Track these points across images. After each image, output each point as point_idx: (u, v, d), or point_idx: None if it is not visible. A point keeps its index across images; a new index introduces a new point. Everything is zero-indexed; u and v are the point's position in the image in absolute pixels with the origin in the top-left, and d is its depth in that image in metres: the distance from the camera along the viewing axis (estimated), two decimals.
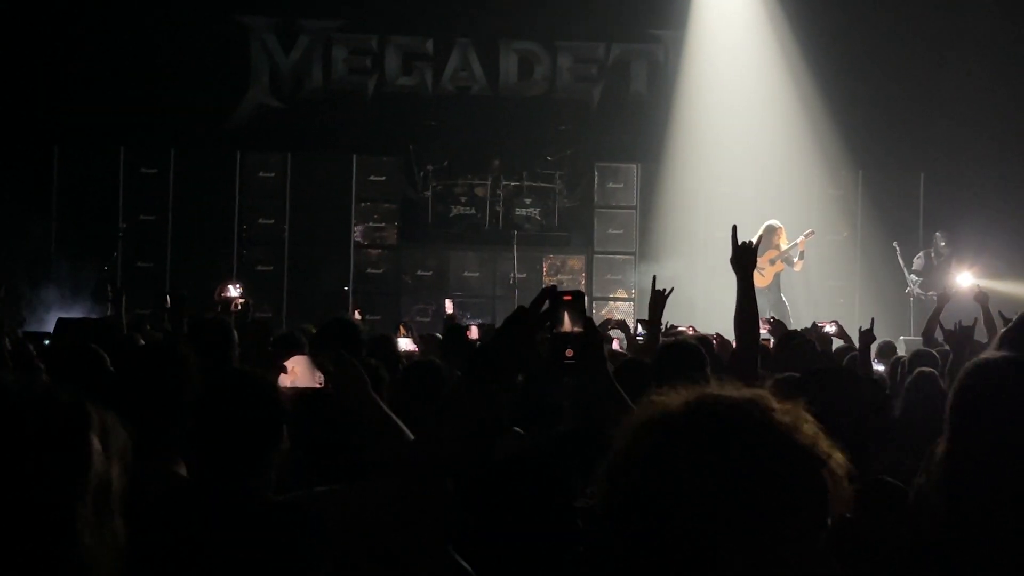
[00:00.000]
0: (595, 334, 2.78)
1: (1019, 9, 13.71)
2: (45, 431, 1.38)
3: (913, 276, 13.45)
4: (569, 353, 2.39)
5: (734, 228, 3.91)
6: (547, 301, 2.33)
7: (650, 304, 5.55)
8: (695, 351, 4.05)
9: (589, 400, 3.88)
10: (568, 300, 2.38)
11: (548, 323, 2.35)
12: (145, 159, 14.36)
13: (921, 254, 13.72)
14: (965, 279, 11.35)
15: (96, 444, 1.41)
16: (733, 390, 1.33)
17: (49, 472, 1.36)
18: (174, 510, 2.61)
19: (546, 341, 2.38)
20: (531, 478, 2.93)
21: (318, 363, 3.07)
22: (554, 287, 2.41)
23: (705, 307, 13.42)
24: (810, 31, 14.56)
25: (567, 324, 2.39)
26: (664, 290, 5.55)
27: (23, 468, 1.35)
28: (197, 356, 3.26)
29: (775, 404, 1.31)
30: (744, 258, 3.86)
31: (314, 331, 5.62)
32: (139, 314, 9.80)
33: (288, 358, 4.63)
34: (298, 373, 3.52)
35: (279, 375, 3.32)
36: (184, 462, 2.97)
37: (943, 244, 13.56)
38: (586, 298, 2.51)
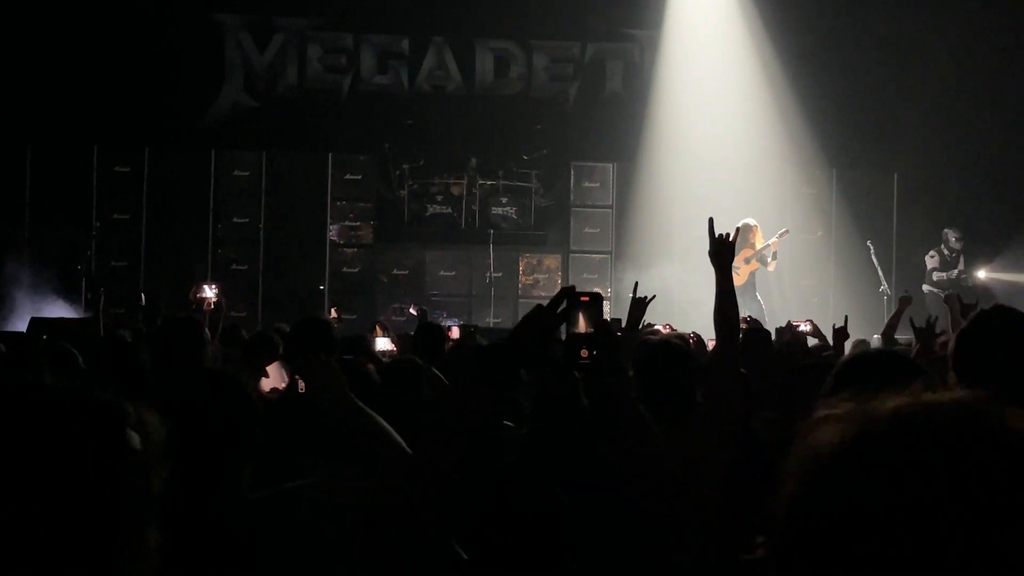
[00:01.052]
0: (611, 336, 2.79)
1: (989, 10, 13.80)
2: (87, 432, 1.35)
3: (937, 274, 13.51)
4: (584, 353, 2.42)
5: (711, 221, 3.92)
6: (564, 301, 2.34)
7: (630, 309, 5.53)
8: (680, 350, 4.06)
9: (551, 402, 3.89)
10: (585, 301, 2.40)
11: (564, 323, 2.37)
12: (119, 158, 14.27)
13: (933, 252, 13.75)
14: (981, 275, 11.62)
15: (136, 444, 1.39)
16: (940, 394, 1.05)
17: (92, 475, 1.33)
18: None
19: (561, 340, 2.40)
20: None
21: (296, 367, 3.07)
22: (572, 288, 2.42)
23: (681, 306, 13.47)
24: (785, 31, 14.63)
25: (582, 325, 2.41)
26: (646, 297, 5.53)
27: (63, 471, 1.32)
28: (168, 355, 3.25)
29: (1002, 407, 1.03)
30: (722, 252, 3.85)
31: (288, 331, 5.60)
32: (116, 313, 9.76)
33: (262, 357, 4.62)
34: (277, 377, 3.52)
35: (259, 379, 3.32)
36: None
37: (954, 240, 13.65)
38: (603, 300, 2.52)
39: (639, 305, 5.49)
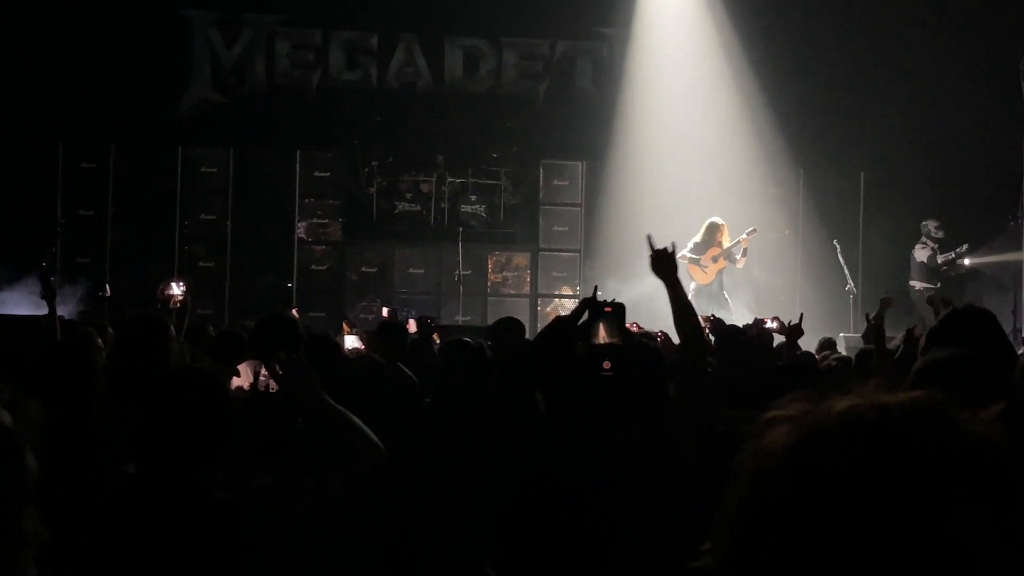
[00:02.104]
0: (633, 347, 2.76)
1: (953, 12, 13.92)
2: None
3: (941, 257, 13.52)
4: (607, 365, 2.36)
5: (648, 237, 3.88)
6: (586, 312, 2.29)
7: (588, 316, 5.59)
8: (650, 349, 4.06)
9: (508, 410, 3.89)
10: (608, 312, 2.35)
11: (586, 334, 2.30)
12: (84, 153, 14.14)
13: (921, 244, 13.73)
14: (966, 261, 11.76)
15: (7, 422, 1.37)
16: (893, 395, 1.01)
17: None
18: (118, 506, 2.58)
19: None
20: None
21: (268, 366, 3.06)
22: (594, 297, 2.36)
23: (650, 305, 13.50)
24: (753, 31, 14.70)
25: (603, 336, 2.35)
26: (607, 301, 5.60)
27: None
28: (134, 354, 3.22)
29: (957, 409, 0.99)
30: (663, 264, 3.84)
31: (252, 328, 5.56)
32: (82, 311, 9.68)
33: (231, 355, 4.59)
34: (249, 376, 3.50)
35: (231, 377, 3.30)
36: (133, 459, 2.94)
37: (934, 229, 13.70)
38: (626, 310, 2.45)
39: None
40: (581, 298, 2.38)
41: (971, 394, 1.00)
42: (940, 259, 13.52)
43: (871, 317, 6.74)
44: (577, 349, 2.31)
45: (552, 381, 2.83)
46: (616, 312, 2.38)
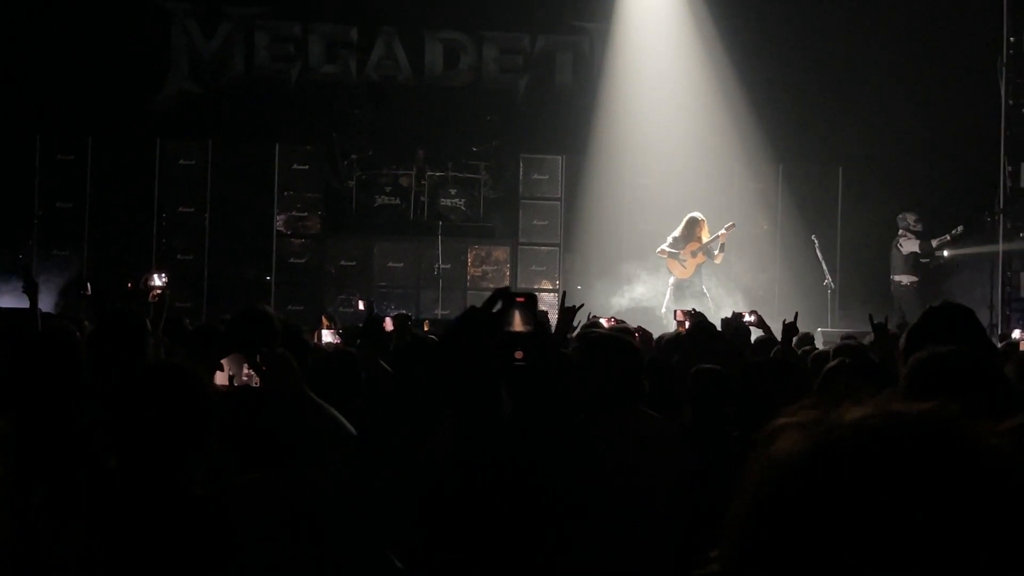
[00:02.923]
0: (547, 337, 2.78)
1: (931, 7, 13.98)
2: None
3: (935, 240, 13.54)
4: (519, 355, 2.38)
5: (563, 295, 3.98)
6: (499, 302, 2.31)
7: (559, 317, 5.74)
8: (628, 343, 4.07)
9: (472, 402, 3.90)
10: (521, 302, 2.36)
11: (500, 324, 2.32)
12: (62, 146, 14.05)
13: (907, 236, 13.74)
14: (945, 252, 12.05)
15: None
16: (907, 404, 0.99)
17: None
18: (98, 502, 2.57)
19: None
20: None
21: (249, 360, 3.05)
22: (507, 288, 2.39)
23: (627, 299, 13.54)
24: (733, 26, 14.73)
25: (517, 325, 2.37)
26: (574, 306, 5.78)
27: None
28: (110, 349, 3.20)
29: (972, 420, 0.97)
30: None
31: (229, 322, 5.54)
32: (63, 304, 9.63)
33: (210, 350, 4.57)
34: (232, 370, 3.49)
35: (214, 372, 3.28)
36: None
37: (913, 222, 13.73)
38: (538, 300, 2.48)
39: (568, 314, 5.70)
40: (494, 289, 2.39)
41: (970, 392, 1.00)
42: (935, 242, 13.54)
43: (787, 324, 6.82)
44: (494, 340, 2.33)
45: (463, 371, 2.86)
46: (529, 302, 2.39)
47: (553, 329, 5.98)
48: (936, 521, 0.90)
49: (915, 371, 2.56)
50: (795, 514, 0.94)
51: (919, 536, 0.90)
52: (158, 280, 7.67)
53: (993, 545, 0.90)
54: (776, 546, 0.94)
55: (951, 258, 13.87)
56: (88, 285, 7.05)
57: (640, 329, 7.67)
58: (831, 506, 0.93)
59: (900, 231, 13.77)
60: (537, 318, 2.43)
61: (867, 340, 6.78)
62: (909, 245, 13.64)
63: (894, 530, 0.91)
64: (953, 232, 13.43)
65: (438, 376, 2.28)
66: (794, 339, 6.86)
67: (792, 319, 6.76)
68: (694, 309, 8.81)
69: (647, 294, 13.40)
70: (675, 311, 9.13)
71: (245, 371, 3.04)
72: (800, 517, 0.94)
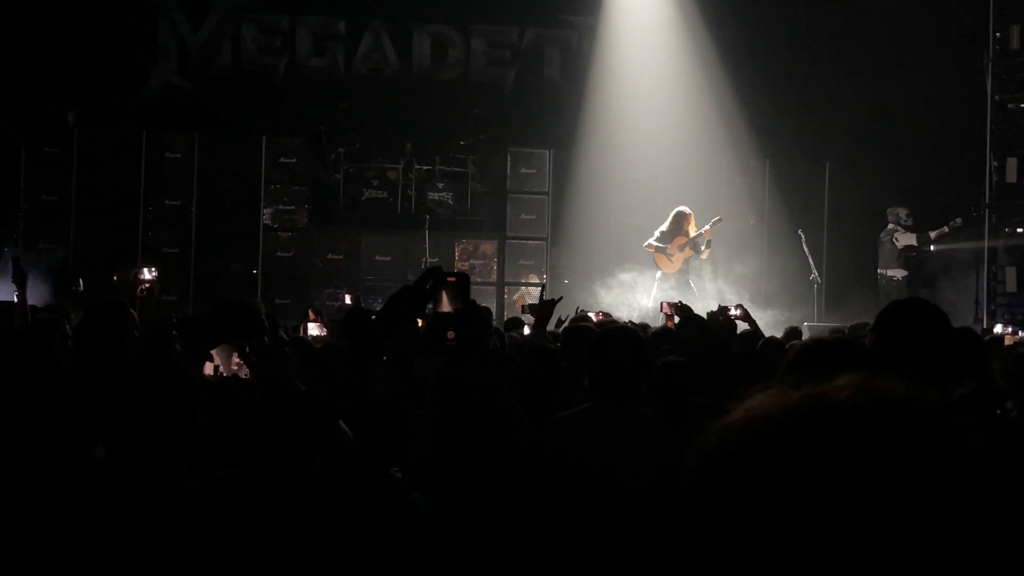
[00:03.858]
0: (472, 318, 2.77)
1: (918, 3, 14.01)
2: None
3: (933, 232, 13.59)
4: (451, 335, 2.38)
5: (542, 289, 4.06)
6: (431, 280, 2.30)
7: (538, 310, 5.82)
8: (636, 336, 4.09)
9: (449, 387, 3.91)
10: (451, 282, 2.35)
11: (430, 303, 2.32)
12: (48, 138, 13.97)
13: (898, 231, 13.75)
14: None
15: None
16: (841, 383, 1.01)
17: None
18: (85, 493, 2.57)
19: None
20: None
21: (240, 352, 3.05)
22: (439, 267, 2.37)
23: (615, 293, 13.54)
24: (721, 21, 14.75)
25: (446, 305, 2.36)
26: (553, 299, 5.91)
27: None
28: (96, 342, 3.19)
29: (915, 391, 1.00)
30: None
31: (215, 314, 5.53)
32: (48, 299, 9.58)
33: (193, 342, 4.56)
34: (231, 361, 3.48)
35: (202, 364, 3.28)
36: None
37: (904, 216, 13.75)
38: (470, 281, 2.47)
39: (547, 307, 5.79)
40: (426, 268, 2.38)
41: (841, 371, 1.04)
42: (933, 234, 13.58)
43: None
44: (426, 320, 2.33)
45: (392, 351, 2.87)
46: (460, 281, 2.38)
47: (534, 322, 6.06)
48: (876, 491, 0.93)
49: (796, 356, 2.73)
50: (734, 493, 0.97)
51: (860, 507, 0.93)
52: (148, 274, 7.64)
53: (933, 508, 0.93)
54: (718, 524, 0.97)
55: (937, 253, 13.91)
56: (80, 281, 7.05)
57: (630, 324, 7.68)
58: (771, 483, 0.95)
59: (891, 225, 13.79)
60: (468, 298, 2.42)
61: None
62: (905, 239, 13.66)
63: (834, 502, 0.93)
64: (951, 224, 13.48)
65: (349, 347, 2.27)
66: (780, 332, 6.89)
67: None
68: (680, 301, 8.83)
69: (634, 288, 13.41)
70: (661, 303, 9.16)
71: (234, 361, 3.04)
72: (738, 495, 0.96)
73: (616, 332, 4.02)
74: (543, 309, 5.79)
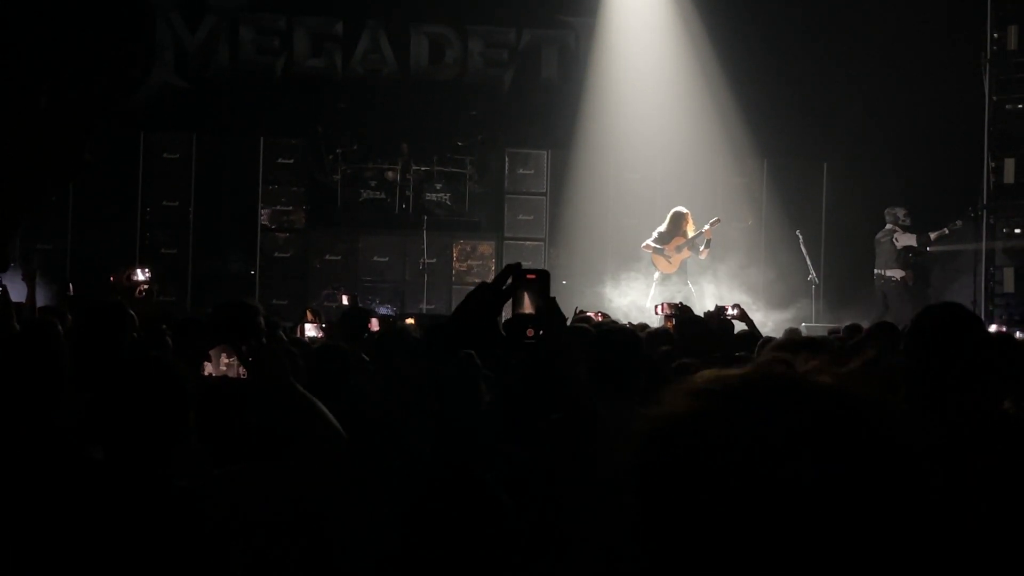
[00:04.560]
0: (559, 314, 2.76)
1: (915, 3, 14.02)
2: None
3: (933, 234, 13.57)
4: (530, 332, 2.35)
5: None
6: (510, 278, 2.28)
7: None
8: (635, 335, 4.09)
9: (455, 391, 3.91)
10: (531, 279, 2.33)
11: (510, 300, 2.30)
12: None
13: (895, 232, 13.74)
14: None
15: None
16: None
17: None
18: (78, 493, 2.57)
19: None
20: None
21: (239, 352, 3.04)
22: (518, 264, 2.35)
23: (612, 294, 13.55)
24: (718, 21, 14.74)
25: (528, 303, 2.34)
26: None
27: None
28: (94, 342, 3.18)
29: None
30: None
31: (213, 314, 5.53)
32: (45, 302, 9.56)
33: (191, 342, 4.56)
34: (219, 361, 3.47)
35: (203, 364, 3.27)
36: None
37: (903, 216, 13.74)
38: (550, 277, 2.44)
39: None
40: (504, 265, 2.36)
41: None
42: (933, 235, 13.57)
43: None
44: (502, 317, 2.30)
45: (475, 350, 2.84)
46: (540, 279, 2.35)
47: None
48: (770, 457, 0.98)
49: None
50: (649, 472, 1.04)
51: (755, 474, 0.98)
52: (141, 275, 7.63)
53: (825, 470, 0.98)
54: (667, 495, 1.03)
55: (933, 254, 13.92)
56: (70, 286, 7.05)
57: (628, 324, 7.68)
58: (680, 461, 1.02)
59: (889, 225, 13.78)
60: (549, 295, 2.39)
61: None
62: (905, 239, 13.66)
63: (733, 472, 0.99)
64: (951, 226, 13.48)
65: (426, 359, 2.26)
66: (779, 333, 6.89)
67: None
68: (681, 303, 8.82)
69: (632, 289, 13.41)
70: (661, 304, 9.15)
71: (223, 362, 3.03)
72: (654, 475, 1.03)
73: (614, 332, 4.02)
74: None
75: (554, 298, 2.49)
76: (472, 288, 2.31)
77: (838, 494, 0.97)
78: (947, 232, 13.50)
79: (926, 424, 1.05)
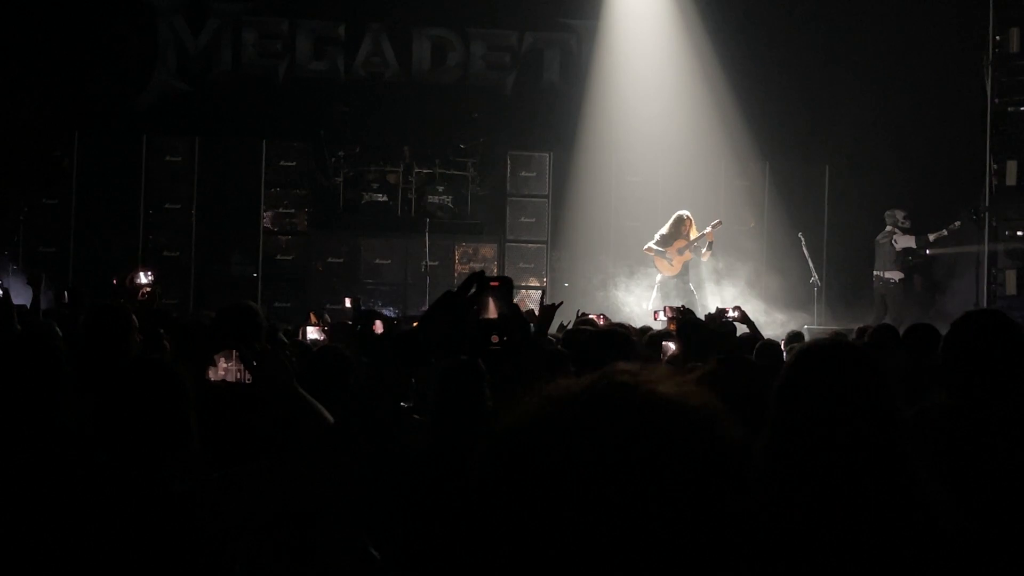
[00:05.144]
0: (522, 321, 2.78)
1: (916, 5, 14.02)
2: None
3: (932, 235, 13.56)
4: (495, 339, 2.38)
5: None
6: (474, 285, 2.31)
7: (539, 315, 5.87)
8: (623, 337, 4.10)
9: (456, 392, 3.91)
10: (495, 286, 2.36)
11: (475, 308, 2.32)
12: (48, 142, 13.98)
13: (895, 233, 13.73)
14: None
15: None
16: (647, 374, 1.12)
17: None
18: (79, 496, 2.57)
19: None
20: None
21: (242, 356, 3.06)
22: (482, 272, 2.39)
23: (614, 296, 13.55)
24: (720, 24, 14.75)
25: (492, 310, 2.37)
26: (554, 304, 5.97)
27: None
28: (96, 343, 3.19)
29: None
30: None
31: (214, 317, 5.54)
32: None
33: (192, 345, 4.57)
34: (224, 366, 3.49)
35: (208, 368, 3.28)
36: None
37: (902, 219, 13.74)
38: (513, 285, 2.49)
39: (548, 311, 5.84)
40: (469, 273, 2.40)
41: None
42: (932, 237, 13.57)
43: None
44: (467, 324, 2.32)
45: (440, 357, 2.86)
46: (503, 286, 2.39)
47: (535, 327, 6.05)
48: (606, 466, 1.02)
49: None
50: (500, 479, 1.07)
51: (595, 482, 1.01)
52: (144, 278, 7.64)
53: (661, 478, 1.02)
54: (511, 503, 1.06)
55: (934, 255, 13.92)
56: (66, 294, 7.05)
57: (629, 326, 7.68)
58: (523, 468, 1.05)
59: (889, 227, 13.78)
60: (512, 302, 2.43)
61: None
62: (904, 241, 13.65)
63: (570, 480, 1.02)
64: (950, 227, 13.48)
65: (400, 364, 2.27)
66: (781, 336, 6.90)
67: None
68: (683, 306, 8.83)
69: (634, 291, 13.41)
70: (663, 307, 9.16)
71: (222, 366, 3.04)
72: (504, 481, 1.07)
73: (612, 334, 4.03)
74: (544, 313, 5.83)
75: (517, 305, 2.52)
76: (439, 297, 2.34)
77: (656, 505, 1.00)
78: (946, 233, 13.50)
79: (749, 435, 1.09)
